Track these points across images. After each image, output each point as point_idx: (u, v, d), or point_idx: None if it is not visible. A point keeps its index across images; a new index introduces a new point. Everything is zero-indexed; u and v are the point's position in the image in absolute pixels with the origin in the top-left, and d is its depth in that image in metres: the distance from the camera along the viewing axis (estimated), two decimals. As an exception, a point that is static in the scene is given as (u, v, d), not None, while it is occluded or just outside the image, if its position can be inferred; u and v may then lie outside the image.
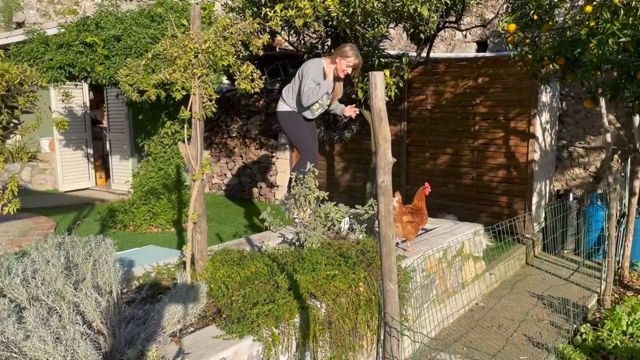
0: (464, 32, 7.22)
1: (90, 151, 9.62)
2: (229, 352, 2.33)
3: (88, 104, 9.50)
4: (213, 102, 3.13)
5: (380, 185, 1.73)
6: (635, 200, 5.39)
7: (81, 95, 9.27)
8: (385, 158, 1.69)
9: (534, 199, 5.93)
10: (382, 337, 1.76)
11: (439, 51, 7.40)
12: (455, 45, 7.45)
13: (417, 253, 3.82)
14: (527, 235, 5.83)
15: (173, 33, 3.12)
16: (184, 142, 3.13)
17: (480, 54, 6.61)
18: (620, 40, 3.16)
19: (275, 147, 8.23)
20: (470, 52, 7.25)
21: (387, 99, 4.88)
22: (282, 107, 5.00)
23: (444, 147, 6.49)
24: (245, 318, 2.54)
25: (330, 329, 2.84)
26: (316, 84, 4.70)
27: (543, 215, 6.16)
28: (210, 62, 3.13)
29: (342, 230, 4.19)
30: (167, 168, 6.63)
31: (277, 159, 8.19)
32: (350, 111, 5.08)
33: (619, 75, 3.35)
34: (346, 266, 3.23)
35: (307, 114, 4.97)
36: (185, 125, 3.23)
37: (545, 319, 4.25)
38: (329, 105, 5.08)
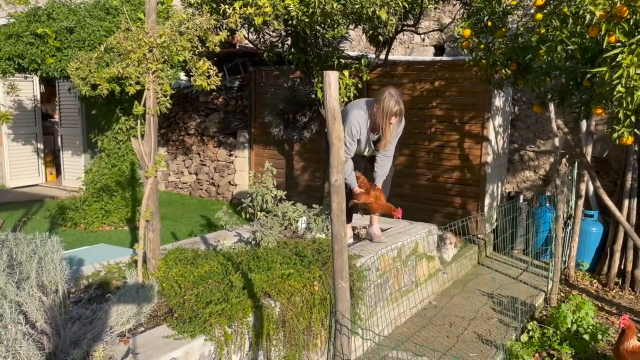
0: (422, 36, 7.34)
1: (41, 146, 9.28)
2: (180, 352, 2.30)
3: (39, 97, 9.16)
4: (168, 97, 3.07)
5: (333, 184, 1.74)
6: (581, 202, 5.63)
7: (31, 88, 8.92)
8: (338, 157, 1.71)
9: (487, 200, 6.10)
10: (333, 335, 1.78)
11: (397, 54, 7.51)
12: (414, 48, 7.57)
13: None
14: (479, 235, 5.98)
15: (127, 26, 3.05)
16: (137, 138, 3.06)
17: (437, 58, 6.75)
18: (568, 47, 3.28)
19: (233, 146, 8.16)
20: (428, 55, 7.39)
21: (347, 100, 4.91)
22: None
23: (401, 148, 6.57)
24: (198, 317, 2.51)
25: (284, 328, 2.84)
26: (354, 140, 4.01)
27: (495, 216, 6.34)
28: (166, 57, 3.07)
29: (299, 229, 4.19)
30: (121, 165, 6.47)
31: (236, 157, 8.12)
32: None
33: (566, 81, 3.48)
34: (302, 265, 3.23)
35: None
36: (139, 121, 3.17)
37: (494, 317, 4.37)
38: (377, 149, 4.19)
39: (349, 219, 4.21)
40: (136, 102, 3.05)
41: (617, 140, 2.78)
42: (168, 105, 3.10)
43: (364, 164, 4.41)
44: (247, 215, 4.21)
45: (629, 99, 2.49)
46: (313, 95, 6.22)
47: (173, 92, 3.19)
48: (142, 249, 3.01)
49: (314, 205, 4.55)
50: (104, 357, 1.98)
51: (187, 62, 3.13)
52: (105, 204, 6.24)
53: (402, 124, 4.15)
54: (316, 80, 5.60)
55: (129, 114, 6.27)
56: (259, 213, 4.23)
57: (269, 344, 2.73)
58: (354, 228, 4.66)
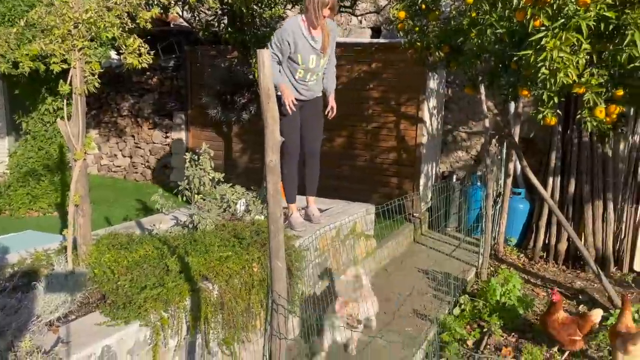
0: (359, 18, 7.38)
1: (-43, 128, 8.63)
2: (113, 339, 2.24)
3: (-47, 76, 8.48)
4: (96, 76, 2.93)
5: (268, 165, 1.73)
6: (510, 181, 5.91)
7: (-56, 65, 8.24)
8: (273, 137, 1.70)
9: (422, 180, 6.28)
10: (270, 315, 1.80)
11: (336, 35, 7.51)
12: (351, 30, 7.60)
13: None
14: (415, 214, 6.16)
15: (50, 0, 2.87)
16: (63, 119, 2.91)
17: (375, 40, 6.82)
18: (497, 31, 3.40)
19: (170, 128, 7.93)
20: (365, 37, 7.44)
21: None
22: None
23: (339, 130, 6.64)
24: (132, 303, 2.44)
25: (222, 311, 2.82)
26: (281, 44, 3.80)
27: (429, 195, 6.54)
28: (93, 34, 2.92)
29: (238, 211, 4.15)
30: (49, 147, 6.15)
31: (172, 139, 7.90)
32: (330, 109, 4.20)
33: (495, 64, 3.62)
34: (240, 247, 3.21)
35: (295, 93, 3.99)
36: (65, 101, 3.01)
37: (429, 292, 4.54)
38: (324, 72, 4.10)
39: (292, 199, 4.20)
40: (61, 81, 2.89)
41: (541, 121, 2.93)
42: (96, 85, 2.96)
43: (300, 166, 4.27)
44: (184, 199, 4.13)
45: (552, 81, 2.62)
46: (251, 76, 6.14)
47: (102, 70, 3.04)
48: (71, 234, 2.89)
49: (252, 187, 4.53)
50: (30, 347, 1.90)
51: (116, 40, 2.99)
52: (32, 189, 5.92)
53: (336, 31, 4.09)
54: (254, 60, 5.53)
55: (55, 94, 5.95)
56: (196, 196, 4.16)
57: (207, 327, 2.71)
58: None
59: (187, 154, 4.18)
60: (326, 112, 4.21)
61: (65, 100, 3.04)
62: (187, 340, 2.63)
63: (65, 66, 2.91)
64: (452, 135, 6.78)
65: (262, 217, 4.01)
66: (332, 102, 4.14)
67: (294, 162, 4.13)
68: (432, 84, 6.23)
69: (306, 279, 3.74)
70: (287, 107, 3.81)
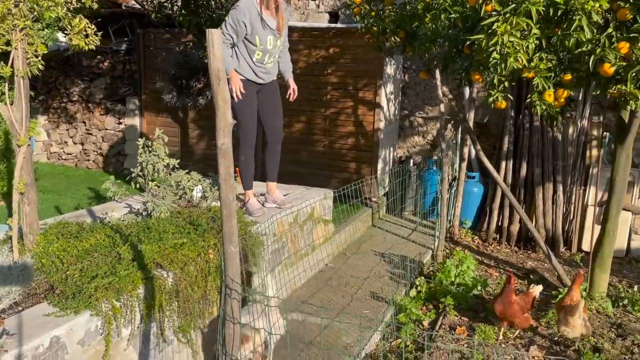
0: (317, 2, 7.32)
1: None
2: (63, 330, 2.17)
3: None
4: (39, 58, 2.80)
5: (220, 148, 1.69)
6: (464, 165, 6.03)
7: None
8: (224, 119, 1.66)
9: (379, 165, 6.34)
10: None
11: (293, 20, 7.44)
12: (309, 14, 7.54)
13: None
14: (373, 199, 6.22)
15: (-13, -24, 2.71)
16: (5, 103, 2.77)
17: (332, 25, 6.77)
18: (451, 16, 3.44)
19: (123, 113, 7.70)
20: (323, 22, 7.40)
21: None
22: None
23: (297, 116, 6.61)
24: (82, 292, 2.37)
25: (178, 298, 2.78)
26: (236, 26, 3.71)
27: (387, 180, 6.61)
28: (35, 13, 2.78)
29: (194, 198, 4.08)
30: (-7, 134, 5.85)
31: (125, 125, 7.68)
32: (292, 91, 4.19)
33: (449, 48, 3.66)
34: (196, 234, 3.16)
35: (253, 76, 3.94)
36: (7, 85, 2.86)
37: (386, 275, 4.61)
38: (280, 54, 4.06)
39: (249, 185, 4.16)
40: (2, 62, 2.74)
41: (492, 104, 2.99)
42: (40, 67, 2.83)
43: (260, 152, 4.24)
44: (137, 186, 4.02)
45: (502, 65, 2.67)
46: (207, 60, 6.00)
47: (47, 52, 2.90)
48: (16, 223, 2.77)
49: (209, 174, 4.45)
50: (-28, 342, 1.81)
51: (61, 20, 2.86)
52: (-25, 178, 5.64)
53: (288, 12, 4.04)
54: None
55: (-2, 78, 5.65)
56: (150, 183, 4.06)
57: (162, 315, 2.66)
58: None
59: (139, 139, 4.07)
60: (287, 95, 4.18)
61: (7, 84, 2.89)
62: (141, 329, 2.57)
63: (6, 48, 2.76)
64: (409, 120, 6.85)
65: (219, 204, 3.96)
66: (292, 84, 4.12)
67: (251, 148, 4.08)
68: (389, 69, 6.26)
69: (264, 265, 3.72)
70: (234, 94, 3.76)
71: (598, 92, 2.83)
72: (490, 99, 2.95)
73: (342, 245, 5.23)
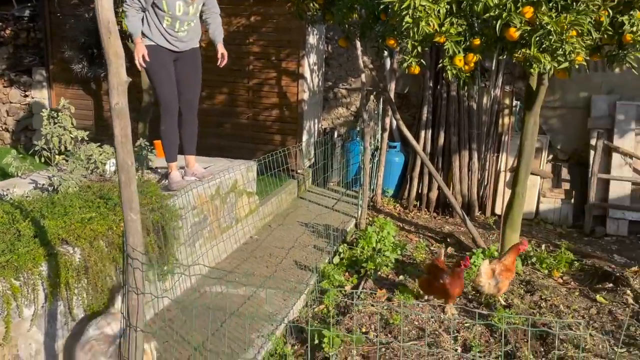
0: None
1: None
2: (-48, 313, 1.99)
3: None
4: None
5: (114, 108, 1.58)
6: (386, 135, 6.14)
7: None
8: (118, 77, 1.55)
9: (304, 137, 6.32)
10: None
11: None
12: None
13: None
14: (298, 170, 6.21)
15: None
16: None
17: (253, -7, 6.60)
18: (369, -18, 3.42)
19: (29, 85, 7.16)
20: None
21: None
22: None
23: (219, 87, 6.43)
24: (-24, 272, 2.19)
25: (87, 275, 2.64)
26: None
27: (312, 151, 6.62)
28: None
29: (107, 172, 3.87)
30: None
31: (33, 98, 7.15)
32: (221, 57, 4.03)
33: (367, 15, 3.65)
34: (106, 208, 3.01)
35: (165, 42, 3.75)
36: None
37: (311, 244, 4.63)
38: (207, 21, 3.95)
39: (171, 157, 3.98)
40: None
41: (407, 70, 3.03)
42: None
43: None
44: (43, 160, 3.76)
45: (415, 30, 2.70)
46: (120, 28, 5.66)
47: None
48: None
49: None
50: None
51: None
52: None
53: None
54: (121, 10, 5.08)
55: None
56: (57, 157, 3.81)
57: (69, 293, 2.52)
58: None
59: (44, 110, 3.79)
60: (218, 62, 4.03)
61: None
62: (46, 308, 2.42)
63: None
64: (333, 92, 6.86)
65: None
66: (220, 49, 3.98)
67: (173, 119, 3.91)
68: (312, 39, 6.20)
69: (184, 239, 3.62)
70: (136, 62, 3.59)
71: (505, 57, 2.92)
72: (405, 65, 2.98)
73: (268, 217, 5.20)
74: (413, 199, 6.00)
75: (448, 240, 5.03)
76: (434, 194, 5.90)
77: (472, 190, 5.81)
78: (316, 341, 3.10)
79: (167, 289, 3.28)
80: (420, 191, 6.03)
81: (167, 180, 3.94)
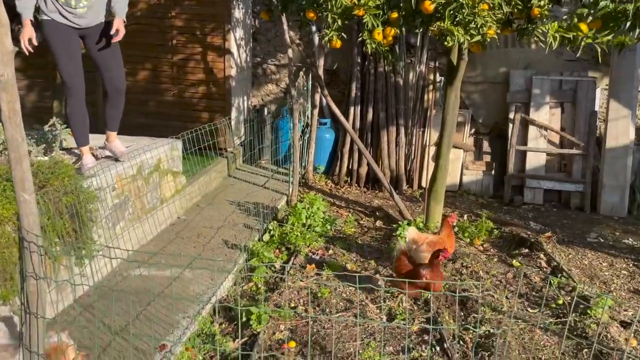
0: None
1: None
2: None
3: None
4: None
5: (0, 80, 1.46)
6: (316, 112, 6.13)
7: None
8: (2, 46, 1.43)
9: (234, 114, 6.20)
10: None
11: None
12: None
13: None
14: (228, 149, 6.10)
15: None
16: None
17: (174, -36, 6.32)
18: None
19: None
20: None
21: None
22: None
23: (142, 62, 6.16)
24: None
25: (-8, 262, 2.47)
26: None
27: (243, 129, 6.51)
28: None
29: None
30: None
31: None
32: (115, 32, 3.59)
33: (288, -12, 3.59)
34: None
35: (63, 19, 3.48)
36: None
37: (241, 223, 4.58)
38: None
39: (82, 141, 3.76)
40: None
41: (328, 44, 3.01)
42: None
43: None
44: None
45: (333, 2, 2.68)
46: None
47: None
48: None
49: (35, 127, 3.99)
50: None
51: None
52: None
53: None
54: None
55: None
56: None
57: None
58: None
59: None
60: (111, 35, 3.75)
61: None
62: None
63: None
64: (262, 68, 6.75)
65: (46, 158, 3.57)
66: (117, 24, 3.61)
67: (78, 100, 3.65)
68: (238, 13, 6.05)
69: (103, 222, 3.48)
70: (22, 47, 3.31)
71: (422, 30, 2.97)
72: (326, 38, 2.96)
73: (196, 197, 5.08)
74: (344, 175, 6.07)
75: (377, 213, 5.13)
76: (363, 170, 5.98)
77: (399, 164, 5.94)
78: (244, 319, 3.09)
79: (85, 275, 3.14)
80: (350, 167, 6.09)
81: (79, 164, 3.73)
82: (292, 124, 5.53)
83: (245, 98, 6.59)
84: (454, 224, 3.84)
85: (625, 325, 3.20)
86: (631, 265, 4.17)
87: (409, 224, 4.39)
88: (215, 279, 3.51)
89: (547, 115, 5.81)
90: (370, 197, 5.75)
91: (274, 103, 6.80)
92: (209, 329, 3.00)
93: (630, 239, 4.78)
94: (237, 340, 2.95)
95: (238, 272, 3.71)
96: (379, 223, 4.91)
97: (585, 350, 2.89)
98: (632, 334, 3.10)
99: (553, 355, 2.85)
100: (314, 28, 6.06)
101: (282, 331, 3.05)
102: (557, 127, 5.80)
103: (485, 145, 6.13)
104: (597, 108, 5.81)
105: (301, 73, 6.54)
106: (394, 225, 4.49)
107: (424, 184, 5.92)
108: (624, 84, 5.51)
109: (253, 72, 6.78)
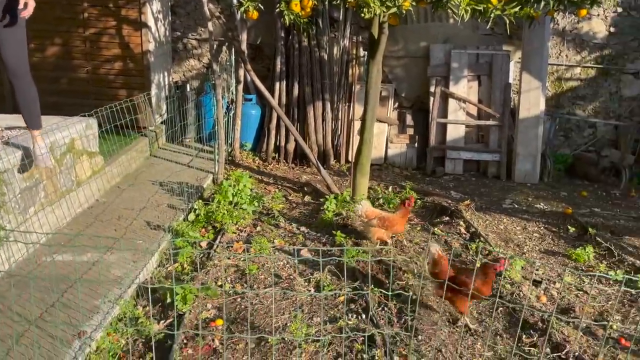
0: None
1: None
2: None
3: None
4: None
5: None
6: (241, 87, 6.01)
7: None
8: None
9: (154, 91, 5.95)
10: None
11: None
12: None
13: None
14: (150, 127, 5.86)
15: None
16: None
17: None
18: None
19: None
20: None
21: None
22: None
23: (51, 38, 5.74)
24: None
25: None
26: None
27: (164, 107, 6.27)
28: None
29: None
30: None
31: None
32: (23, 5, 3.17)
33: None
34: None
35: None
36: None
37: (164, 203, 4.44)
38: None
39: (38, 124, 3.43)
40: None
41: (245, 15, 2.93)
42: None
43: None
44: None
45: (249, -28, 2.60)
46: None
47: None
48: None
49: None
50: None
51: None
52: None
53: None
54: None
55: None
56: None
57: None
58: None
59: None
60: (19, 11, 3.41)
61: None
62: None
63: None
64: (183, 42, 6.51)
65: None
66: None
67: None
68: (154, -15, 5.76)
69: (12, 206, 3.25)
70: None
71: (342, 3, 2.96)
72: (242, 9, 2.88)
73: (116, 178, 4.86)
74: (271, 152, 6.02)
75: (305, 189, 5.15)
76: (291, 146, 5.96)
77: (326, 139, 5.97)
78: (169, 300, 3.02)
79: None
80: (278, 143, 6.05)
81: None
82: (215, 101, 5.39)
83: (165, 74, 6.34)
84: (412, 207, 3.83)
85: (536, 283, 3.43)
86: (542, 228, 4.46)
87: (335, 198, 4.44)
88: (137, 261, 3.39)
89: (465, 88, 6.03)
90: (299, 172, 5.75)
91: (196, 79, 6.60)
92: (132, 312, 2.91)
93: (541, 204, 5.10)
94: (162, 322, 2.88)
95: (162, 253, 3.61)
96: (307, 198, 4.93)
97: (500, 308, 3.07)
98: (542, 292, 3.33)
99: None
100: (235, 1, 5.89)
101: (209, 310, 3.01)
102: (475, 99, 6.03)
103: (409, 119, 6.28)
104: (511, 80, 6.08)
105: (224, 48, 6.37)
106: (322, 200, 4.53)
107: (350, 158, 5.99)
108: (534, 57, 5.80)
109: (173, 47, 6.52)
